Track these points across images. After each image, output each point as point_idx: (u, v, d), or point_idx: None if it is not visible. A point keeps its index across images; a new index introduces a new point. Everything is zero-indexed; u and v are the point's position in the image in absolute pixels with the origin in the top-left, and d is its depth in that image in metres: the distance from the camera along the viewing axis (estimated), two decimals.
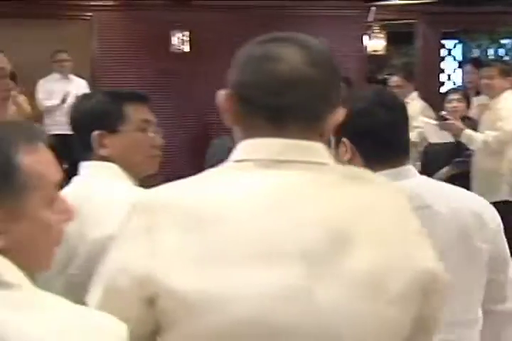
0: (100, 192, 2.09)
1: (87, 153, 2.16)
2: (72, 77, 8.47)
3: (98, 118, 2.14)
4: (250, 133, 1.40)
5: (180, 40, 9.45)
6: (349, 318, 1.33)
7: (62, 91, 8.17)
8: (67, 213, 1.30)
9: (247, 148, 1.40)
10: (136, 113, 2.17)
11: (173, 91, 9.50)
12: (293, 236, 1.33)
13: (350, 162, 1.97)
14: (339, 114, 1.43)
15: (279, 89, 1.37)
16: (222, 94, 1.44)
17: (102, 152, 2.14)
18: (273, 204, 1.35)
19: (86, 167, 2.17)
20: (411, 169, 2.05)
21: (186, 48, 9.48)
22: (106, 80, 9.23)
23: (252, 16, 9.57)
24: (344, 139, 1.98)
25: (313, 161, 1.39)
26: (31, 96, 8.17)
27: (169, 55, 9.47)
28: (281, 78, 1.37)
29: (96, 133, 2.13)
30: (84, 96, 2.28)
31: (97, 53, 9.24)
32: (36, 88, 8.26)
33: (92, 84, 8.84)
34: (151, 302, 1.33)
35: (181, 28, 9.41)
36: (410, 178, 2.03)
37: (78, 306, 1.25)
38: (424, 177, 2.12)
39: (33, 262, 1.27)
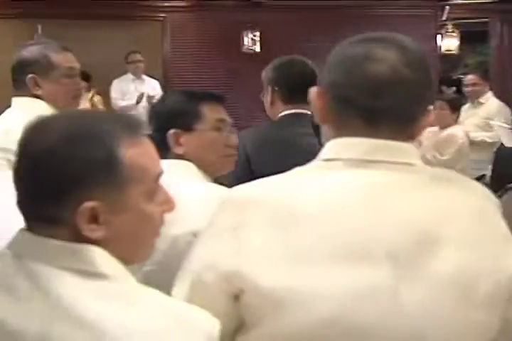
0: (177, 190, 2.12)
1: (164, 151, 2.17)
2: (145, 77, 8.57)
3: (174, 117, 2.16)
4: (342, 132, 1.40)
5: (251, 41, 9.48)
6: (435, 320, 1.32)
7: (135, 91, 8.29)
8: (168, 204, 1.33)
9: (337, 147, 1.40)
10: (211, 112, 2.19)
11: (244, 91, 9.53)
12: (380, 237, 1.32)
13: None
14: (431, 116, 1.43)
15: (377, 90, 1.37)
16: (314, 92, 1.45)
17: (178, 150, 2.16)
18: (360, 204, 1.35)
19: (162, 165, 2.20)
20: None
21: (257, 48, 9.51)
22: (178, 81, 9.33)
23: (323, 16, 9.55)
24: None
25: (402, 162, 1.39)
26: (106, 96, 8.31)
27: (240, 55, 9.51)
28: (379, 79, 1.37)
29: (172, 131, 2.16)
30: (162, 96, 2.32)
31: (170, 54, 9.35)
32: (110, 88, 8.39)
33: (164, 84, 8.94)
34: (236, 298, 1.35)
35: (252, 29, 9.44)
36: None
37: (173, 300, 1.28)
38: None
39: (132, 254, 1.29)
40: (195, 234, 2.00)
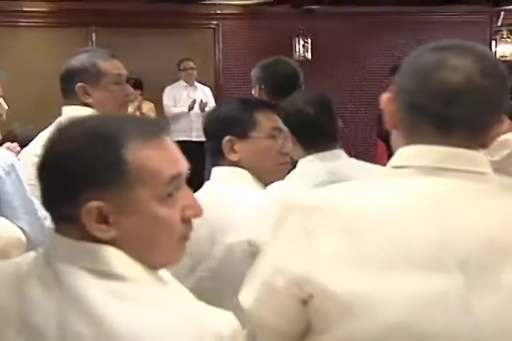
0: (231, 197, 2.13)
1: (219, 158, 2.20)
2: (197, 84, 8.62)
3: (230, 124, 2.18)
4: (413, 139, 1.40)
5: (302, 48, 9.48)
6: (502, 330, 1.31)
7: (187, 98, 8.33)
8: (193, 208, 1.31)
9: (407, 154, 1.40)
10: (267, 120, 2.21)
11: None
12: (450, 244, 1.32)
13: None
14: (505, 125, 1.43)
15: (450, 97, 1.36)
16: (385, 98, 1.45)
17: (232, 157, 2.17)
18: (431, 212, 1.35)
19: (217, 172, 2.21)
20: (335, 152, 2.69)
21: (309, 55, 9.51)
22: (230, 88, 9.36)
23: (376, 23, 9.51)
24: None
25: (473, 170, 1.38)
26: (158, 103, 8.37)
27: None
28: (453, 87, 1.36)
29: (227, 138, 2.17)
30: (218, 103, 2.32)
31: (221, 61, 9.39)
32: (163, 95, 8.45)
33: (216, 91, 8.98)
34: (304, 302, 1.36)
35: (304, 36, 9.44)
36: (336, 161, 2.65)
37: (187, 301, 1.27)
38: (353, 160, 2.71)
39: (149, 257, 1.28)
40: (250, 243, 2.01)
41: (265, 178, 2.21)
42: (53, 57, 7.98)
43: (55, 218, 1.28)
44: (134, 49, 8.60)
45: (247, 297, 1.43)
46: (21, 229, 2.23)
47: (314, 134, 2.69)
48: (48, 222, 2.26)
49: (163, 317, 1.19)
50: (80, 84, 2.64)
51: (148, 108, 8.39)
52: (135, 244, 1.25)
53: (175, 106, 8.38)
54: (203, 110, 8.24)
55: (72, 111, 2.64)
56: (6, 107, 2.64)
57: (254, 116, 2.19)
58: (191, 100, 8.21)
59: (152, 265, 1.28)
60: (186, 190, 1.31)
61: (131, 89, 2.75)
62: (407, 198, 1.36)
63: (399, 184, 1.38)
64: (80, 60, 2.68)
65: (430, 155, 1.37)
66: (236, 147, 2.17)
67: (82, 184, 1.22)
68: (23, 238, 2.11)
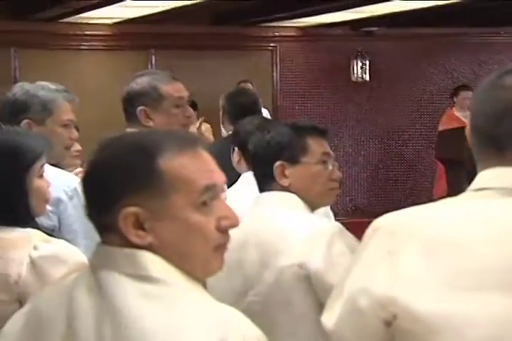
0: (282, 221, 2.14)
1: (268, 183, 2.22)
2: None
3: (281, 149, 2.20)
4: (486, 163, 1.41)
5: (360, 69, 9.46)
6: None
7: None
8: (228, 219, 1.33)
9: (488, 176, 1.40)
10: (317, 146, 2.23)
11: (352, 120, 9.52)
12: None
13: (238, 163, 2.91)
14: None
15: (499, 116, 1.37)
16: (466, 130, 1.46)
17: (283, 182, 2.19)
18: None
19: (267, 196, 2.23)
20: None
21: (366, 77, 9.49)
22: (287, 109, 9.39)
23: (433, 44, 9.46)
24: (236, 149, 2.88)
25: None
26: (216, 125, 8.42)
27: (349, 83, 9.51)
28: (504, 105, 1.36)
29: (278, 163, 2.19)
30: (266, 127, 2.33)
31: (279, 83, 9.43)
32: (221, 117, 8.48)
33: (273, 113, 9.01)
34: (388, 323, 1.36)
35: (362, 57, 9.43)
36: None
37: (216, 305, 1.29)
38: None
39: (189, 263, 1.31)
40: (301, 266, 2.01)
41: (314, 203, 2.23)
42: (115, 79, 8.13)
43: (99, 228, 1.33)
44: (192, 71, 8.68)
45: (329, 318, 1.44)
46: None
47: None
48: None
49: (191, 318, 1.24)
50: (141, 107, 2.64)
51: (205, 129, 8.44)
52: (171, 250, 1.29)
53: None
54: None
55: None
56: (76, 133, 2.66)
57: (304, 141, 2.21)
58: None
59: (190, 273, 1.31)
60: (223, 201, 1.34)
61: (191, 111, 2.76)
62: (490, 219, 1.36)
63: (480, 206, 1.38)
64: (140, 83, 2.69)
65: (508, 177, 1.37)
66: (287, 172, 2.18)
67: (120, 192, 1.28)
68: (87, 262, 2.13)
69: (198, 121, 8.24)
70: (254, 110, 3.76)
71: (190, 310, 1.25)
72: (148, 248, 1.28)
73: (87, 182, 1.34)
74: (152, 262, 1.28)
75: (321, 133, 2.27)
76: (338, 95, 9.53)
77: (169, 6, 7.34)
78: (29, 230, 1.89)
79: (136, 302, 1.25)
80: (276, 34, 9.40)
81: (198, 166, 1.31)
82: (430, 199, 6.24)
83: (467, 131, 1.45)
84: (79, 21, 8.35)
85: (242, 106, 3.79)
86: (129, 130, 2.68)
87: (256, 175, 2.29)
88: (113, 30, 8.73)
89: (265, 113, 8.70)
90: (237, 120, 3.39)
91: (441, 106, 9.13)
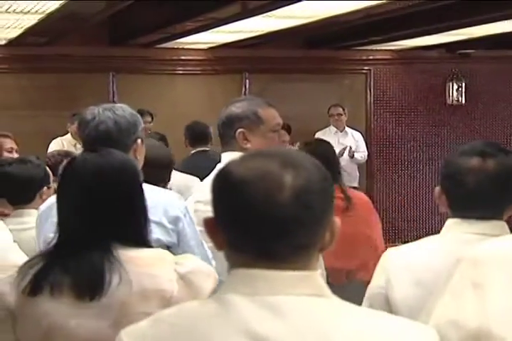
0: None
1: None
2: (347, 129, 8.61)
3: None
4: None
5: (456, 92, 9.31)
6: None
7: (337, 144, 8.33)
8: None
9: None
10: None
11: (447, 143, 9.35)
12: None
13: None
14: None
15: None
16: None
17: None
18: None
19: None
20: None
21: (462, 100, 9.33)
22: (381, 133, 9.30)
23: None
24: None
25: None
26: None
27: (444, 106, 9.37)
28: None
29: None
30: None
31: (373, 106, 9.36)
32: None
33: (367, 136, 8.95)
34: None
35: (458, 80, 9.28)
36: None
37: (383, 315, 1.27)
38: None
39: None
40: None
41: None
42: (208, 103, 8.24)
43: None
44: (286, 94, 8.71)
45: None
46: None
47: None
48: (214, 262, 2.40)
49: (406, 326, 1.21)
50: (240, 129, 2.71)
51: None
52: None
53: None
54: (352, 156, 8.23)
55: (231, 157, 2.67)
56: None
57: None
58: (341, 146, 8.20)
59: None
60: None
61: (287, 136, 2.84)
62: None
63: None
64: (240, 107, 2.76)
65: None
66: None
67: None
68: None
69: (294, 144, 8.23)
70: (207, 137, 5.87)
71: (393, 319, 1.23)
72: None
73: (227, 193, 1.23)
74: (321, 281, 1.23)
75: None
76: (433, 118, 9.40)
77: (263, 30, 7.38)
78: (156, 249, 1.94)
79: (340, 319, 1.19)
80: (371, 57, 9.35)
81: None
82: None
83: None
84: (175, 46, 8.49)
85: (197, 134, 5.96)
86: (225, 153, 2.74)
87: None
88: (207, 54, 8.84)
89: (358, 135, 8.67)
90: (194, 145, 5.88)
91: None
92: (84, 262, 1.80)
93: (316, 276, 1.21)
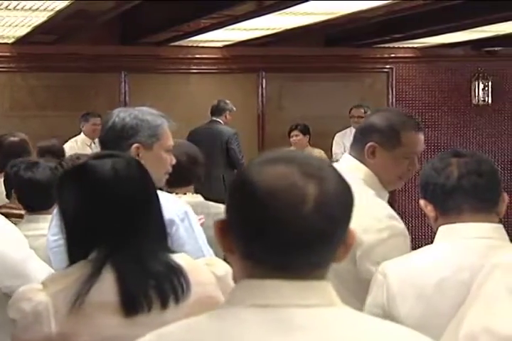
0: None
1: None
2: None
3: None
4: None
5: (482, 91, 9.07)
6: None
7: None
8: None
9: None
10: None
11: (473, 144, 9.11)
12: None
13: None
14: None
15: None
16: None
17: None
18: None
19: None
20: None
21: (488, 99, 9.09)
22: None
23: None
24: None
25: None
26: (328, 149, 8.16)
27: (470, 106, 9.15)
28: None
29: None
30: None
31: (395, 105, 9.11)
32: (333, 142, 8.25)
33: None
34: None
35: (483, 79, 9.04)
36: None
37: (394, 326, 1.24)
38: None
39: None
40: None
41: None
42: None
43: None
44: (303, 93, 8.56)
45: None
46: None
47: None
48: None
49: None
50: (371, 143, 2.53)
51: (315, 153, 8.19)
52: None
53: (343, 154, 8.12)
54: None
55: (349, 164, 2.57)
56: (174, 161, 2.65)
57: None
58: None
59: None
60: None
61: (417, 167, 2.57)
62: None
63: None
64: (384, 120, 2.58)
65: None
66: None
67: None
68: None
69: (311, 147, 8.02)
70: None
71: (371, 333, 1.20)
72: None
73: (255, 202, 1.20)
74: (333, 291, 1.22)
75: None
76: (457, 118, 9.17)
77: (280, 28, 7.17)
78: (179, 254, 1.89)
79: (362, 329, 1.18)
80: (392, 55, 9.11)
81: None
82: None
83: None
84: (189, 44, 8.31)
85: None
86: (345, 156, 2.62)
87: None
88: (223, 53, 8.65)
89: None
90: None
91: None
92: (150, 273, 1.76)
93: (326, 285, 1.20)
